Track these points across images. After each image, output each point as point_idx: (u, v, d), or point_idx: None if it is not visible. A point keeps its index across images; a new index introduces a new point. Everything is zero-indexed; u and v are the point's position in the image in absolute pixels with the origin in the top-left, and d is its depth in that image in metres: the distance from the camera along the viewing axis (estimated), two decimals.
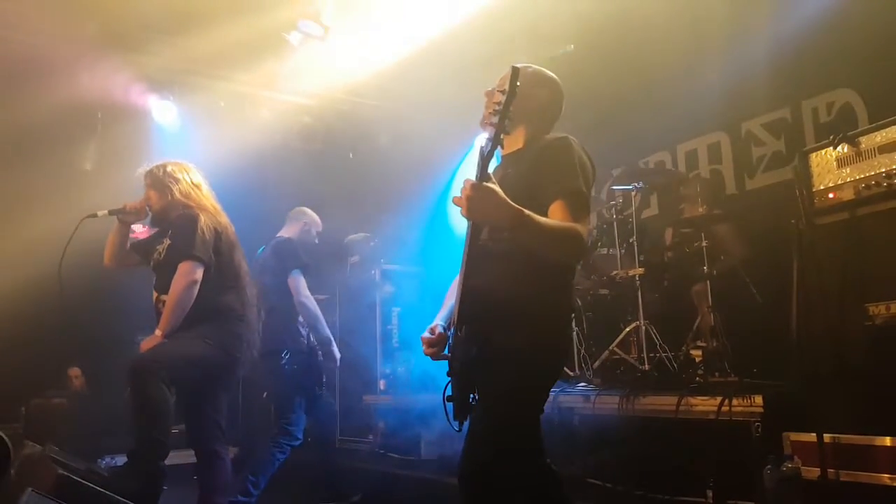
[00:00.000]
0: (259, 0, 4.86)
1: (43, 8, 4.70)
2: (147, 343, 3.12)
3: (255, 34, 5.06)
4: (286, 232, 4.55)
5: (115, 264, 3.51)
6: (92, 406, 5.76)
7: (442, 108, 5.89)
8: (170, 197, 3.37)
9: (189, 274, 3.13)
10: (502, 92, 1.78)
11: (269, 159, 5.89)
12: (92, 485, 2.64)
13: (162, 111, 5.82)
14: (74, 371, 6.07)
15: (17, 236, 5.19)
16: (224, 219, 3.44)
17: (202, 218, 3.27)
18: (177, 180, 3.40)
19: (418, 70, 5.45)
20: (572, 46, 5.39)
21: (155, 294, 3.33)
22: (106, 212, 3.39)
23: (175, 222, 3.33)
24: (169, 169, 3.44)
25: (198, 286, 3.15)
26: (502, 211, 1.81)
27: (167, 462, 3.01)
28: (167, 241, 3.32)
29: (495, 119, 1.79)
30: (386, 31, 5.28)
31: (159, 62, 5.55)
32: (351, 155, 7.01)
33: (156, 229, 3.49)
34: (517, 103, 1.79)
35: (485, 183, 1.80)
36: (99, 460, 5.08)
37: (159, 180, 3.40)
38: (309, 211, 4.71)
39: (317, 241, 4.75)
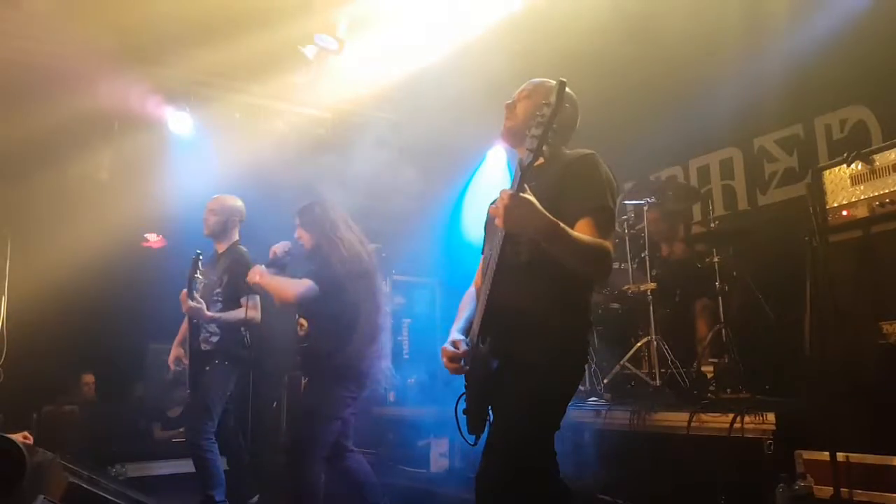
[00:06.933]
0: (275, 13, 4.90)
1: (62, 20, 4.77)
2: None
3: (271, 47, 5.11)
4: None
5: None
6: (102, 414, 5.78)
7: (455, 121, 5.91)
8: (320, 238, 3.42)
9: None
10: (547, 105, 1.78)
11: (283, 171, 5.93)
12: (101, 493, 2.65)
13: (178, 122, 5.87)
14: (88, 377, 6.10)
15: (33, 246, 5.25)
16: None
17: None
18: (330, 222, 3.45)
19: (431, 84, 5.48)
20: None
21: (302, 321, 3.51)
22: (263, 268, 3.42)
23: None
24: (319, 210, 3.47)
25: None
26: (538, 222, 1.81)
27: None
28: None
29: (538, 131, 1.78)
30: (400, 45, 5.32)
31: (176, 74, 5.61)
32: (364, 167, 7.04)
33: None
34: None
35: (522, 194, 1.80)
36: (109, 468, 5.09)
37: (311, 221, 3.45)
38: None
39: None
